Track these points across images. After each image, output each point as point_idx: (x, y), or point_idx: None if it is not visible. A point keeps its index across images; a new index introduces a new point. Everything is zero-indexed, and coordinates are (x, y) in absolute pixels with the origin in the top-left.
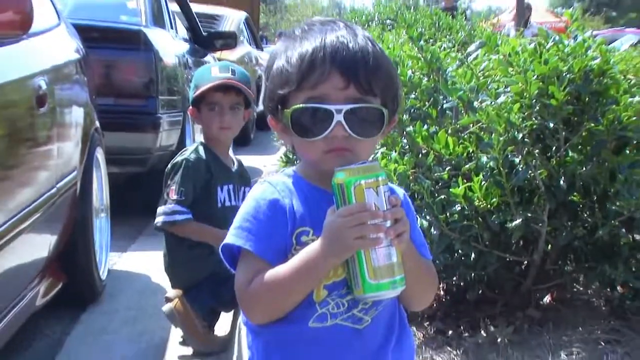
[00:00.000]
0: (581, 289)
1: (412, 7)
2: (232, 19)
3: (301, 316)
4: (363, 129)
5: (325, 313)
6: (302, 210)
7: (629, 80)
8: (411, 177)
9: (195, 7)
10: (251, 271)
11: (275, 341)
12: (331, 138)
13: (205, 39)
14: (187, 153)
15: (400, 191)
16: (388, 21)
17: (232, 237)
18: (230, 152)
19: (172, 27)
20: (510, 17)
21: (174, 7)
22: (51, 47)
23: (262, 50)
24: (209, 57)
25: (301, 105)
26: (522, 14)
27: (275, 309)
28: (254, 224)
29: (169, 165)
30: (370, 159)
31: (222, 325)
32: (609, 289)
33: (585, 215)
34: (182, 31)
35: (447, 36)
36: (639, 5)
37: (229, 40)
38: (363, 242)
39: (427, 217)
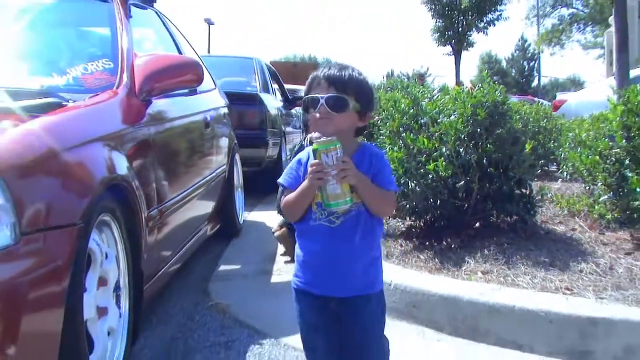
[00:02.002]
0: (494, 218)
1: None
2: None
3: (306, 219)
4: (334, 107)
5: (315, 218)
6: None
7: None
8: (405, 160)
9: (286, 85)
10: (285, 195)
11: (299, 231)
12: (318, 112)
13: (290, 100)
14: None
15: (380, 152)
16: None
17: (281, 178)
18: None
19: (273, 93)
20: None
21: (275, 85)
22: (211, 99)
23: None
24: (293, 110)
25: (307, 96)
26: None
27: (292, 212)
28: (290, 172)
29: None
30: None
31: None
32: (509, 218)
33: (496, 179)
34: (279, 96)
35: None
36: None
37: None
38: (318, 181)
39: (414, 182)
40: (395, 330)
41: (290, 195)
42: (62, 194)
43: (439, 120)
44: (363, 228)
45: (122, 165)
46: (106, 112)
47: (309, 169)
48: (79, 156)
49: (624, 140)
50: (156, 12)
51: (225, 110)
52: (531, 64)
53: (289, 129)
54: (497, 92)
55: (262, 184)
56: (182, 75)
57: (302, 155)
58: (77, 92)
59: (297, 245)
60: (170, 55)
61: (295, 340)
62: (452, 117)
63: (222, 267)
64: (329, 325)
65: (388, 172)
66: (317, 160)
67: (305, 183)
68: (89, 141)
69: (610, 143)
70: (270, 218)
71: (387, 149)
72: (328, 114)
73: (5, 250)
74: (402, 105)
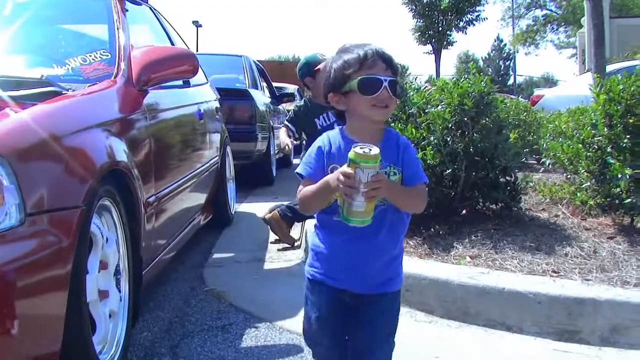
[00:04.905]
0: (481, 205)
1: None
2: (290, 88)
3: (329, 213)
4: (394, 92)
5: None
6: (335, 153)
7: None
8: None
9: (273, 83)
10: (303, 184)
11: (321, 222)
12: (378, 96)
13: (277, 97)
14: (296, 105)
15: (408, 141)
16: None
17: (300, 168)
18: None
19: (261, 89)
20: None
21: (263, 82)
22: (204, 93)
23: None
24: (280, 106)
25: (366, 75)
26: None
27: (308, 206)
28: (309, 161)
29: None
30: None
31: (296, 231)
32: (494, 205)
33: (482, 167)
34: (267, 93)
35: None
36: (494, 83)
37: (290, 97)
38: (343, 195)
39: None
40: None
41: (310, 189)
42: (64, 177)
43: (426, 110)
44: (389, 225)
45: (121, 152)
46: (105, 100)
47: (340, 176)
48: (80, 141)
49: (605, 129)
50: (150, 8)
51: (217, 104)
52: (507, 63)
53: (276, 124)
54: (482, 83)
55: (252, 177)
56: (178, 66)
57: (322, 142)
58: (77, 81)
59: (313, 235)
60: (166, 47)
61: (290, 324)
62: (440, 107)
63: (216, 255)
64: (339, 319)
65: (417, 163)
66: (351, 172)
67: (329, 183)
68: (89, 127)
69: (593, 131)
70: (260, 209)
71: None
72: (387, 100)
73: (10, 230)
74: None
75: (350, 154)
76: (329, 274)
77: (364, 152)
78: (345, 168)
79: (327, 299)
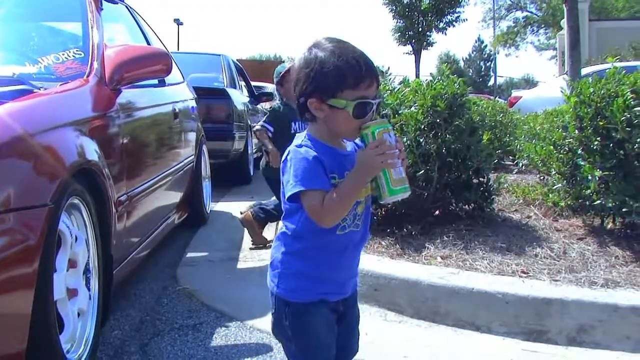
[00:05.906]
0: (453, 206)
1: None
2: (270, 87)
3: (333, 229)
4: (377, 112)
5: (345, 225)
6: (329, 162)
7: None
8: None
9: (253, 82)
10: (321, 198)
11: (316, 243)
12: (365, 119)
13: (256, 96)
14: (275, 105)
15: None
16: None
17: (306, 184)
18: None
19: (240, 89)
20: None
21: (242, 82)
22: (179, 92)
23: None
24: (259, 106)
25: (363, 100)
26: None
27: (342, 212)
28: (313, 173)
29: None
30: None
31: (270, 232)
32: (467, 206)
33: (455, 168)
34: (245, 92)
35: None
36: (474, 84)
37: (269, 97)
38: (386, 164)
39: None
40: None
41: (337, 193)
42: (32, 176)
43: (399, 112)
44: (369, 225)
45: (91, 151)
46: (76, 99)
47: (371, 151)
48: (50, 140)
49: (576, 131)
50: (127, 7)
51: (193, 103)
52: (487, 64)
53: (254, 123)
54: (455, 85)
55: (229, 176)
56: (151, 65)
57: (314, 152)
58: (49, 80)
59: (290, 260)
60: (140, 46)
61: (260, 323)
62: (413, 108)
63: (190, 254)
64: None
65: None
66: (383, 139)
67: (366, 167)
68: (59, 126)
69: (564, 133)
70: (236, 208)
71: None
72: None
73: None
74: None
75: (371, 128)
76: (328, 291)
77: (378, 120)
78: (374, 142)
79: (330, 314)
